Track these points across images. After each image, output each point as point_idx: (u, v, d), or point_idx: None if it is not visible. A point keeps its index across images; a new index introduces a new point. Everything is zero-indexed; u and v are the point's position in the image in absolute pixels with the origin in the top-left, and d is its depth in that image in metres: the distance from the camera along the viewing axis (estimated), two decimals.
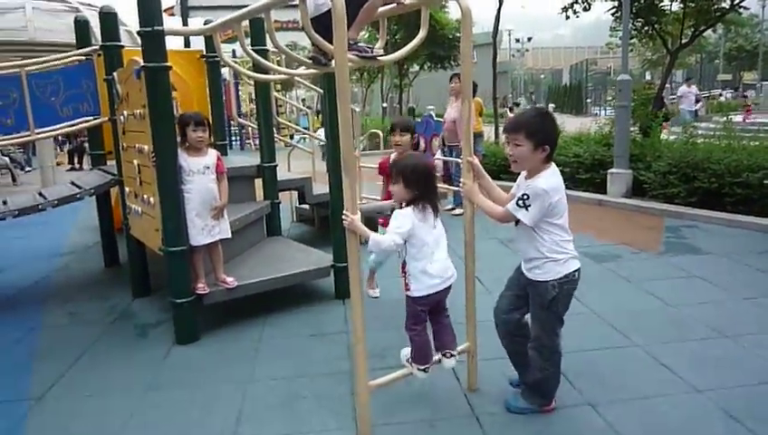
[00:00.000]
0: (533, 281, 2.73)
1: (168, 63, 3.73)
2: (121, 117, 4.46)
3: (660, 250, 5.79)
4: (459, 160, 3.36)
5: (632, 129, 8.67)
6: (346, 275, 2.79)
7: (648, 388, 3.10)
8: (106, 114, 5.22)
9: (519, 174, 2.81)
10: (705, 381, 3.14)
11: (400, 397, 3.09)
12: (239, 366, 3.60)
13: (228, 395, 3.24)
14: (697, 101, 19.07)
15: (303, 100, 27.62)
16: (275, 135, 6.45)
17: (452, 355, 2.95)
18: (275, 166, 5.78)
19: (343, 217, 2.60)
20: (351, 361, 3.47)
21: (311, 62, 3.27)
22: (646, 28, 10.60)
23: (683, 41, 10.32)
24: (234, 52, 15.76)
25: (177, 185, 3.86)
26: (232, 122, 17.13)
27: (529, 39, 60.73)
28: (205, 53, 6.25)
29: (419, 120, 10.64)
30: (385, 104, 20.68)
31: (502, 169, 9.98)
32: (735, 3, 9.53)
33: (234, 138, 19.98)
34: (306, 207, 7.52)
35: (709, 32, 13.84)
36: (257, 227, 5.52)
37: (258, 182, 5.76)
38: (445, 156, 8.14)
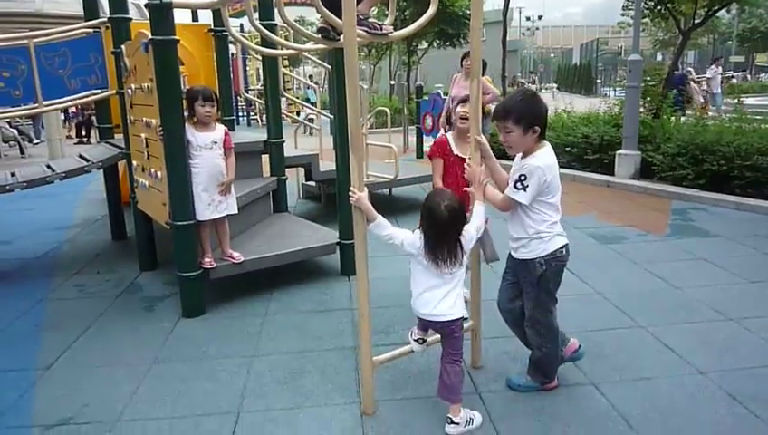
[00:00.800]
0: (521, 260, 2.77)
1: (176, 37, 3.71)
2: (129, 90, 4.44)
3: (667, 232, 5.77)
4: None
5: (641, 109, 8.57)
6: (352, 252, 2.80)
7: (652, 369, 3.11)
8: (114, 87, 5.20)
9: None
10: (708, 363, 3.15)
11: (405, 373, 3.12)
12: (245, 341, 3.63)
13: (233, 369, 3.27)
14: (721, 81, 17.84)
15: (311, 76, 27.46)
16: (282, 111, 6.43)
17: (452, 422, 2.60)
18: (282, 142, 5.76)
19: (350, 193, 2.60)
20: (356, 337, 3.49)
21: (319, 35, 3.23)
22: (658, 7, 10.42)
23: (696, 21, 10.15)
24: (241, 26, 15.63)
25: (184, 159, 3.86)
26: (239, 98, 17.12)
27: (539, 17, 60.05)
28: (212, 27, 6.20)
29: (427, 97, 10.61)
30: (393, 82, 20.53)
31: None
32: None
33: (241, 113, 19.95)
34: (313, 183, 7.52)
35: (723, 12, 13.57)
36: (264, 204, 5.52)
37: (265, 158, 5.75)
38: None
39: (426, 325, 2.75)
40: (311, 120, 11.04)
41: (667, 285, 4.37)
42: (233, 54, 11.38)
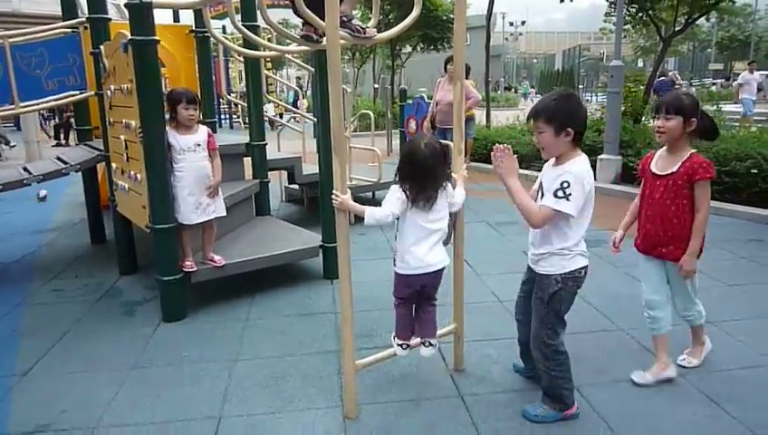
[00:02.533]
0: (539, 274, 2.66)
1: (156, 37, 3.67)
2: (108, 91, 4.39)
3: None
4: (450, 143, 3.26)
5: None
6: (335, 256, 2.78)
7: (630, 371, 3.12)
8: (92, 88, 5.14)
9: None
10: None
11: (387, 377, 3.11)
12: (226, 345, 3.60)
13: (214, 373, 3.23)
14: (759, 89, 15.91)
15: (298, 78, 27.37)
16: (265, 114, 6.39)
17: (431, 344, 2.90)
18: (264, 145, 5.73)
19: (332, 196, 2.59)
20: (339, 340, 3.48)
21: (303, 40, 3.22)
22: (640, 14, 10.58)
23: (676, 28, 10.31)
24: (224, 27, 15.56)
25: (164, 161, 3.82)
26: (221, 100, 17.00)
27: (523, 23, 60.69)
28: (194, 27, 6.15)
29: (410, 101, 10.63)
30: (376, 85, 20.56)
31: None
32: None
33: (223, 116, 19.80)
34: (296, 186, 7.49)
35: (702, 20, 13.77)
36: (246, 207, 5.49)
37: (247, 161, 5.72)
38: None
39: (418, 282, 2.73)
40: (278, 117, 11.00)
41: None
42: (215, 56, 11.26)
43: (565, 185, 2.42)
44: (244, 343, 3.63)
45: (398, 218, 2.66)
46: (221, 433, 2.69)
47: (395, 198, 2.61)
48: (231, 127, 20.16)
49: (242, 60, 7.56)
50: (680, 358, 3.19)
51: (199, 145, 3.98)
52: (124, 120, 4.03)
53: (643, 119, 9.24)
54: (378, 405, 2.87)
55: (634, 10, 10.52)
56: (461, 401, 2.89)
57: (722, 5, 10.68)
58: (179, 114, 3.90)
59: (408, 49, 21.24)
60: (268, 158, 5.84)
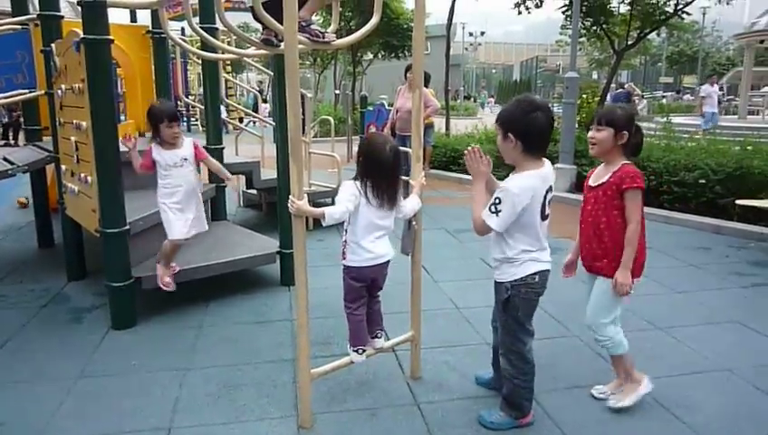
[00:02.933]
0: (495, 282, 2.69)
1: (110, 37, 3.57)
2: (59, 91, 4.24)
3: None
4: (409, 150, 3.24)
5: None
6: (292, 262, 2.75)
7: (585, 377, 3.18)
8: (43, 87, 4.96)
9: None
10: (638, 371, 3.24)
11: (343, 385, 3.08)
12: (178, 353, 3.50)
13: (165, 383, 3.14)
14: (719, 102, 16.81)
15: (260, 81, 27.09)
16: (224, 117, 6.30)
17: (382, 333, 3.02)
18: (221, 148, 5.64)
19: (289, 202, 2.55)
20: (295, 348, 3.43)
21: (262, 44, 3.19)
22: (594, 28, 10.88)
23: (628, 42, 10.64)
24: (183, 30, 15.29)
25: (116, 164, 3.70)
26: (179, 102, 16.70)
27: (482, 33, 61.64)
28: (151, 28, 6.02)
29: (371, 108, 10.66)
30: (338, 91, 20.53)
31: (451, 161, 10.10)
32: (679, 8, 9.89)
33: (181, 119, 19.42)
34: (254, 191, 7.39)
35: (653, 35, 14.28)
36: None
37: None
38: None
39: (369, 275, 2.79)
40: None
41: None
42: (173, 57, 11.02)
43: (496, 201, 2.47)
44: (196, 351, 3.54)
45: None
46: None
47: (349, 193, 2.66)
48: (188, 130, 19.79)
49: (200, 62, 7.45)
50: (600, 390, 3.00)
51: (186, 159, 3.83)
52: (75, 121, 3.90)
53: None
54: (333, 414, 2.83)
55: (589, 23, 10.82)
56: (417, 408, 2.89)
57: (671, 21, 11.07)
58: (163, 133, 3.73)
59: (370, 56, 21.30)
60: (226, 162, 5.74)
